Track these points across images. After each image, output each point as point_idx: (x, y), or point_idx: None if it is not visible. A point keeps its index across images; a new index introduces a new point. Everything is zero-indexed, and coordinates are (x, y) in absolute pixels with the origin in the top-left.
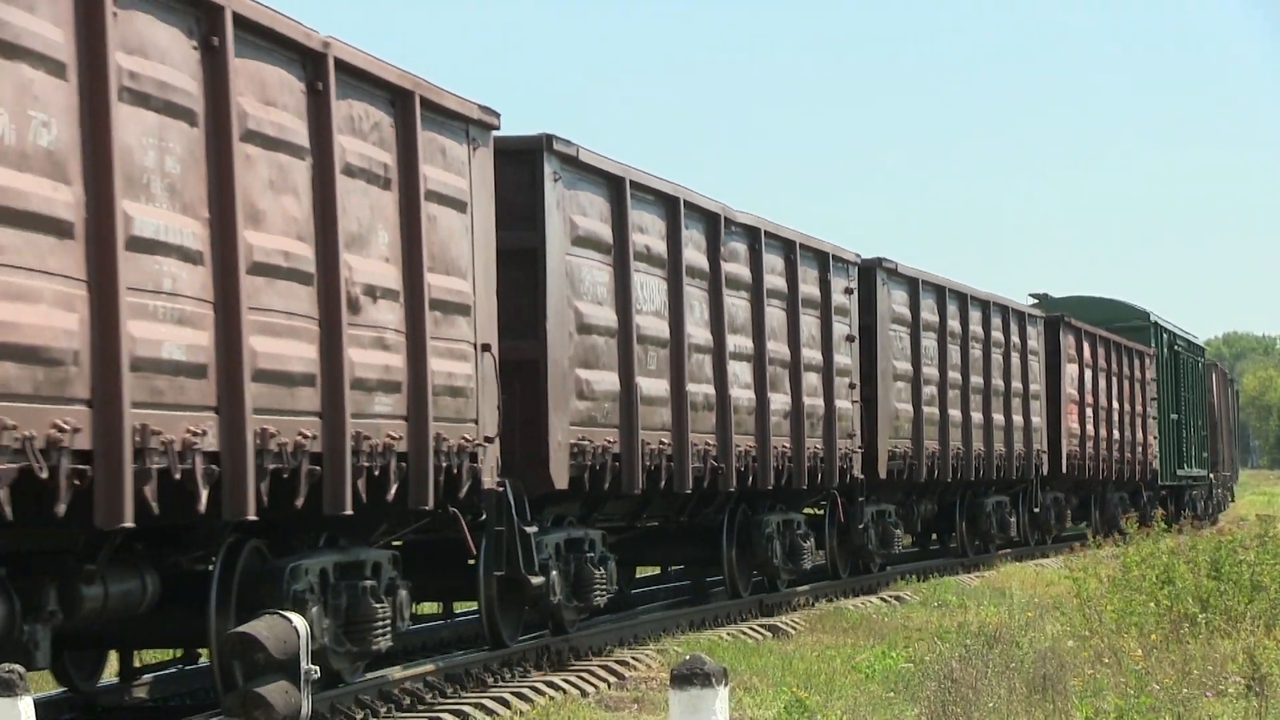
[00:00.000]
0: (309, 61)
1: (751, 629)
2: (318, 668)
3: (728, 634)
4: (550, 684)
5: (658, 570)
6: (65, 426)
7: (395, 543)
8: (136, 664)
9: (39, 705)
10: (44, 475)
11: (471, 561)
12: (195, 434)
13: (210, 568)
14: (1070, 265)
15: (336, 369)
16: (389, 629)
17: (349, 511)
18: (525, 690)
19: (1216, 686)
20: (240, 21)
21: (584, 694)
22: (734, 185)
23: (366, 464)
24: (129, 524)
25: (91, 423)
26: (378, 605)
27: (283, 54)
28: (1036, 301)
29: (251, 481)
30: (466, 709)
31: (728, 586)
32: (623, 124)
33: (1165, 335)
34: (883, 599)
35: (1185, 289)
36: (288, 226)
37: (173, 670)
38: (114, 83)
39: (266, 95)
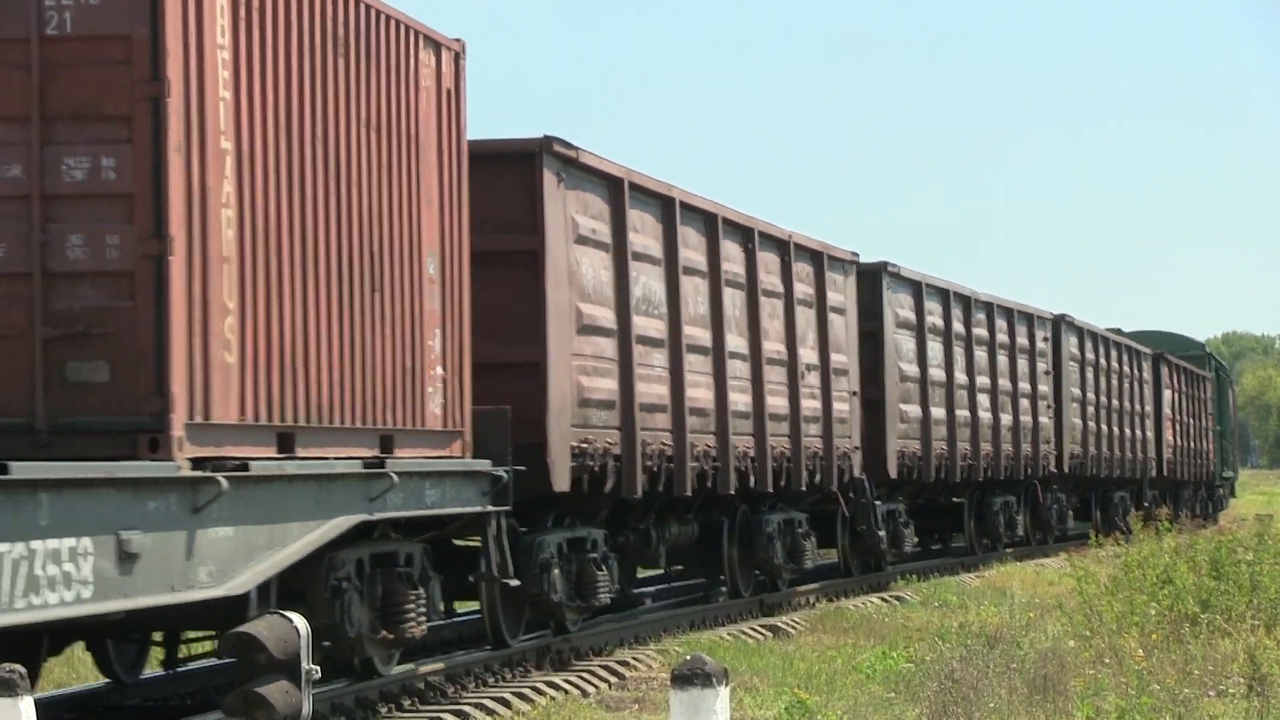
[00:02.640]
0: (783, 248)
1: (752, 629)
2: (318, 667)
3: (728, 634)
4: (551, 684)
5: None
6: (612, 442)
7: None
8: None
9: (39, 705)
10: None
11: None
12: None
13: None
14: (1070, 265)
15: (796, 411)
16: (605, 589)
17: (731, 492)
18: (526, 690)
19: (1217, 686)
20: (762, 236)
21: (584, 694)
22: (767, 197)
23: (789, 466)
24: (638, 495)
25: (621, 439)
26: (599, 572)
27: (773, 244)
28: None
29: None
30: (466, 709)
31: (729, 586)
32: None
33: (1213, 362)
34: (883, 599)
35: (1185, 289)
36: (775, 336)
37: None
38: (689, 271)
39: (768, 269)
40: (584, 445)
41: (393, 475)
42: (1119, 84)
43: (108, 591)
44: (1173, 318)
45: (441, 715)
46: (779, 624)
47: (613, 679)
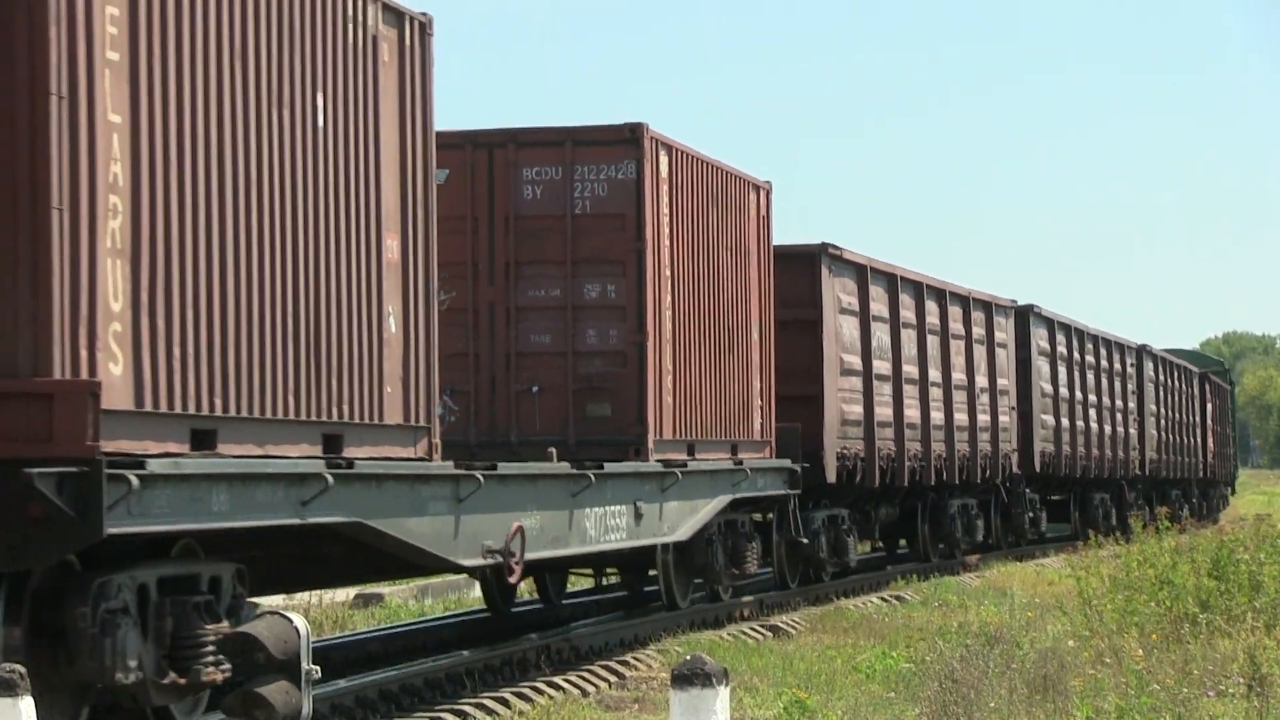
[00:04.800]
0: (964, 301)
1: (752, 629)
2: (318, 667)
3: (728, 634)
4: (551, 684)
5: None
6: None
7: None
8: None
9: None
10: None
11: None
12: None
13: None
14: (1068, 264)
15: (974, 423)
16: (854, 551)
17: (931, 484)
18: (526, 690)
19: (1217, 686)
20: (950, 294)
21: (584, 694)
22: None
23: (968, 464)
24: (876, 485)
25: (863, 446)
26: (848, 538)
27: (958, 299)
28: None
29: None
30: (466, 709)
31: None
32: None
33: (1229, 376)
34: (883, 599)
35: (1185, 289)
36: (959, 368)
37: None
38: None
39: (954, 317)
40: (844, 451)
41: (747, 470)
42: (1118, 83)
43: (630, 535)
44: (1173, 318)
45: (441, 715)
46: (779, 624)
47: (613, 679)
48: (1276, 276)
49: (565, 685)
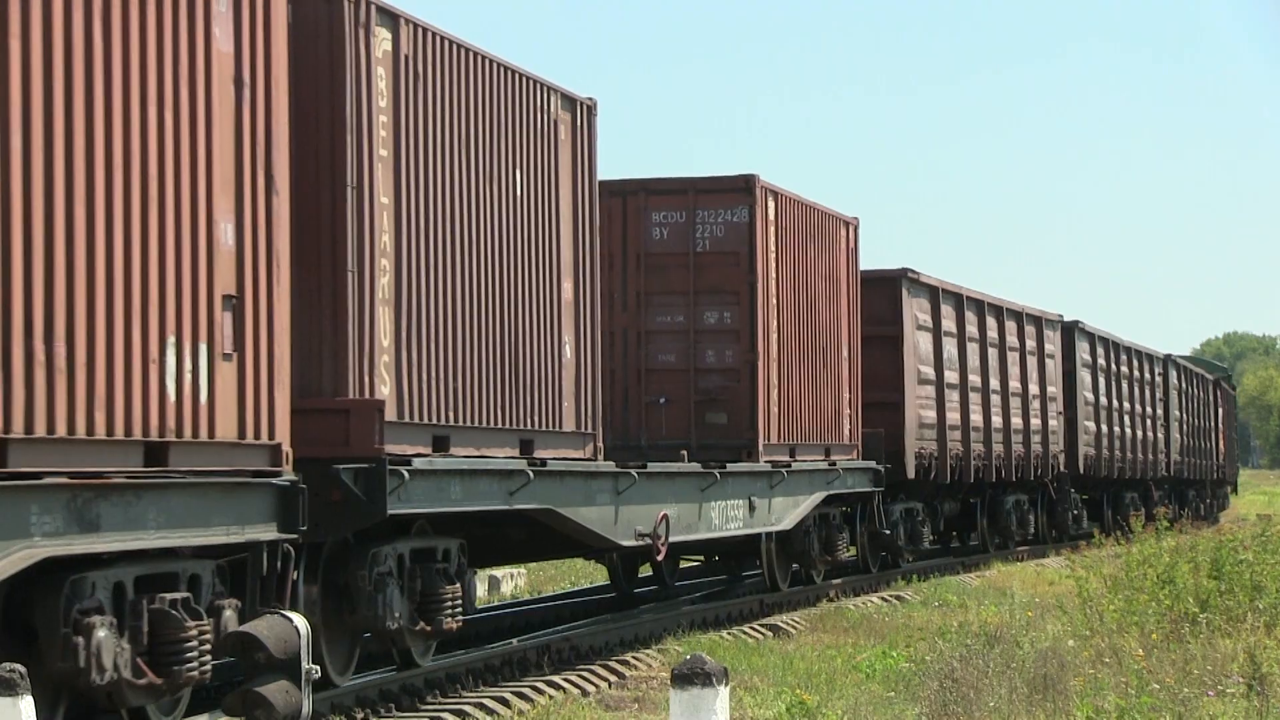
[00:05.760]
0: (1018, 316)
1: (752, 629)
2: (318, 667)
3: (728, 634)
4: (551, 683)
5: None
6: (933, 449)
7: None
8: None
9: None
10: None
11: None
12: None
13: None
14: (1068, 264)
15: (1027, 427)
16: (927, 539)
17: (993, 480)
18: (525, 690)
19: (1217, 686)
20: (1008, 310)
21: (584, 693)
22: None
23: (1022, 463)
24: (946, 481)
25: (936, 447)
26: (922, 529)
27: (1013, 315)
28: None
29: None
30: (466, 708)
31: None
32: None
33: (1231, 380)
34: (883, 598)
35: (1185, 289)
36: (1015, 377)
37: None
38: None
39: (1010, 331)
40: (921, 451)
41: (839, 469)
42: (1118, 82)
43: (746, 524)
44: (1173, 318)
45: (441, 715)
46: (779, 623)
47: (613, 678)
48: (1276, 277)
49: (565, 685)
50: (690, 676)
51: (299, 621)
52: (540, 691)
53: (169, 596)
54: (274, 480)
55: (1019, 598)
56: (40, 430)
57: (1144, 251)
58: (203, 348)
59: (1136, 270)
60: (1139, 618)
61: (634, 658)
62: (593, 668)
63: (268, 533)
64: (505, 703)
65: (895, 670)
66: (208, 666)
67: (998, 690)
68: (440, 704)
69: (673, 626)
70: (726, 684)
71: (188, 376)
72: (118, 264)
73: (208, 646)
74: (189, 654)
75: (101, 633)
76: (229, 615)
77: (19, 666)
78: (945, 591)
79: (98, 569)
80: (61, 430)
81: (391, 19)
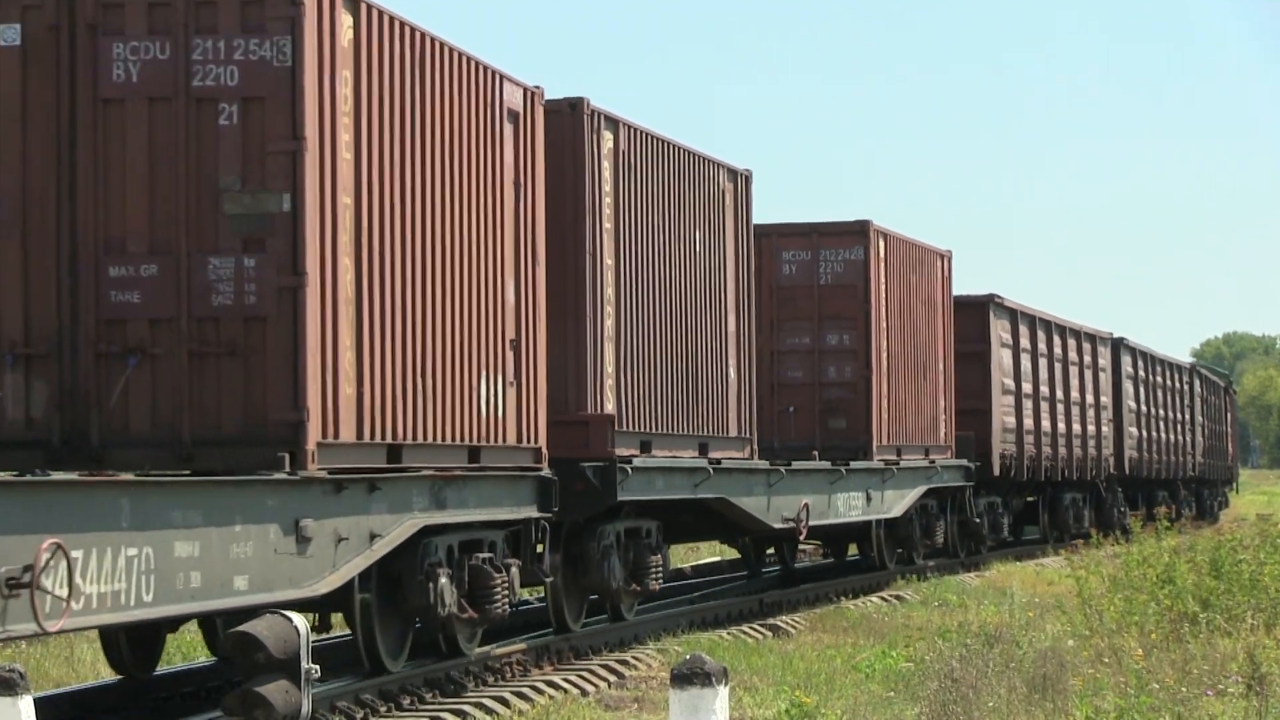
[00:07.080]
0: (1076, 334)
1: (752, 628)
2: (317, 666)
3: (728, 634)
4: (550, 683)
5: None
6: (1013, 451)
7: None
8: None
9: (38, 704)
10: (1007, 465)
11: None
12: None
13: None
14: (1069, 264)
15: (1085, 432)
16: (1005, 528)
17: (1059, 479)
18: (525, 690)
19: (1217, 686)
20: (1069, 330)
21: (584, 693)
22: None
23: (1079, 465)
24: (1025, 480)
25: (1015, 449)
26: (1003, 519)
27: (1072, 332)
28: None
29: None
30: (466, 708)
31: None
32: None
33: (1231, 383)
34: (883, 598)
35: (1185, 289)
36: (1074, 388)
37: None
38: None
39: (1070, 347)
40: (1004, 452)
41: (938, 467)
42: (1117, 82)
43: (864, 513)
44: (1173, 318)
45: (441, 714)
46: (778, 623)
47: (612, 678)
48: (1276, 277)
49: (565, 684)
50: (690, 676)
51: (299, 621)
52: (540, 691)
53: (480, 556)
54: (538, 474)
55: (1018, 598)
56: (419, 438)
57: (1144, 251)
58: (498, 378)
59: (1136, 270)
60: (1138, 618)
61: (634, 657)
62: (592, 667)
63: (534, 512)
64: (505, 702)
65: (895, 670)
66: (505, 607)
67: (997, 690)
68: (440, 704)
69: (672, 626)
70: (726, 684)
71: (492, 400)
72: (456, 320)
73: (506, 593)
74: (496, 596)
75: (443, 580)
76: (514, 572)
77: (18, 666)
78: (945, 591)
79: (439, 535)
80: (428, 438)
81: (613, 123)
